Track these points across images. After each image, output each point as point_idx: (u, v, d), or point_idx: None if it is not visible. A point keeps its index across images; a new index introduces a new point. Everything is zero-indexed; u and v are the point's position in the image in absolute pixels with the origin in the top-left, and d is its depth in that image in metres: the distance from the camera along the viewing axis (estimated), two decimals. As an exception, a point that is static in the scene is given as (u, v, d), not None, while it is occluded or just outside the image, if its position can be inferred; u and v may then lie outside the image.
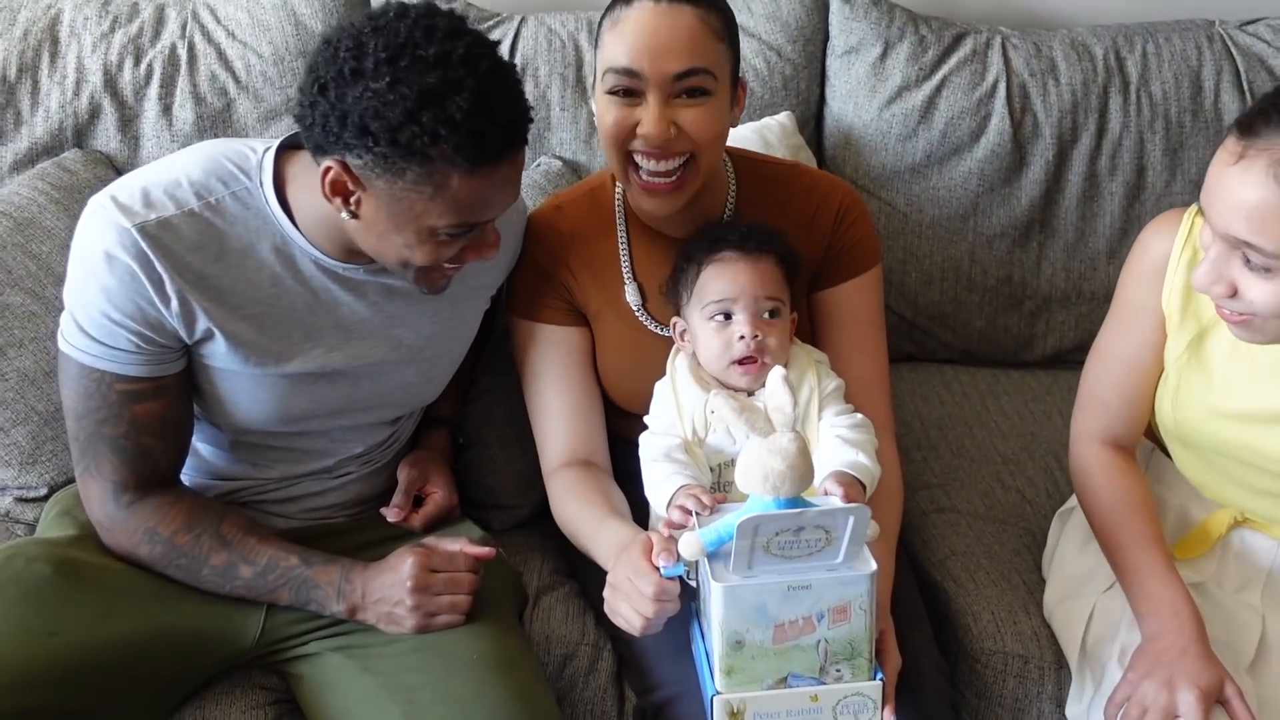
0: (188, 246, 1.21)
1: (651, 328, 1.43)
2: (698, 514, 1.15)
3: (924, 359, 2.04)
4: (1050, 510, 1.64)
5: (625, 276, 1.43)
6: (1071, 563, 1.46)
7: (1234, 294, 1.13)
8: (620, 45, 1.26)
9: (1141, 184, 1.97)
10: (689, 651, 1.24)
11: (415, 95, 1.07)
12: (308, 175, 1.22)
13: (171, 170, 1.24)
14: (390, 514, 1.43)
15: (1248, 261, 1.10)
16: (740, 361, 1.30)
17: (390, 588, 1.28)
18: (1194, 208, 1.27)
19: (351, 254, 1.27)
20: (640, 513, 1.33)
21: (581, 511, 1.34)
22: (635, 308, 1.43)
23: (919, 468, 1.75)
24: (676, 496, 1.19)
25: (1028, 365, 2.04)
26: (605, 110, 1.29)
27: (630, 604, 1.15)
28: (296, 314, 1.28)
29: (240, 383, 1.28)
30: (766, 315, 1.31)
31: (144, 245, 1.18)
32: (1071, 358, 2.03)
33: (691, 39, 1.25)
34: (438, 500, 1.45)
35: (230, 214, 1.24)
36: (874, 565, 1.09)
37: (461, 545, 1.32)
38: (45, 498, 1.53)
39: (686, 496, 1.18)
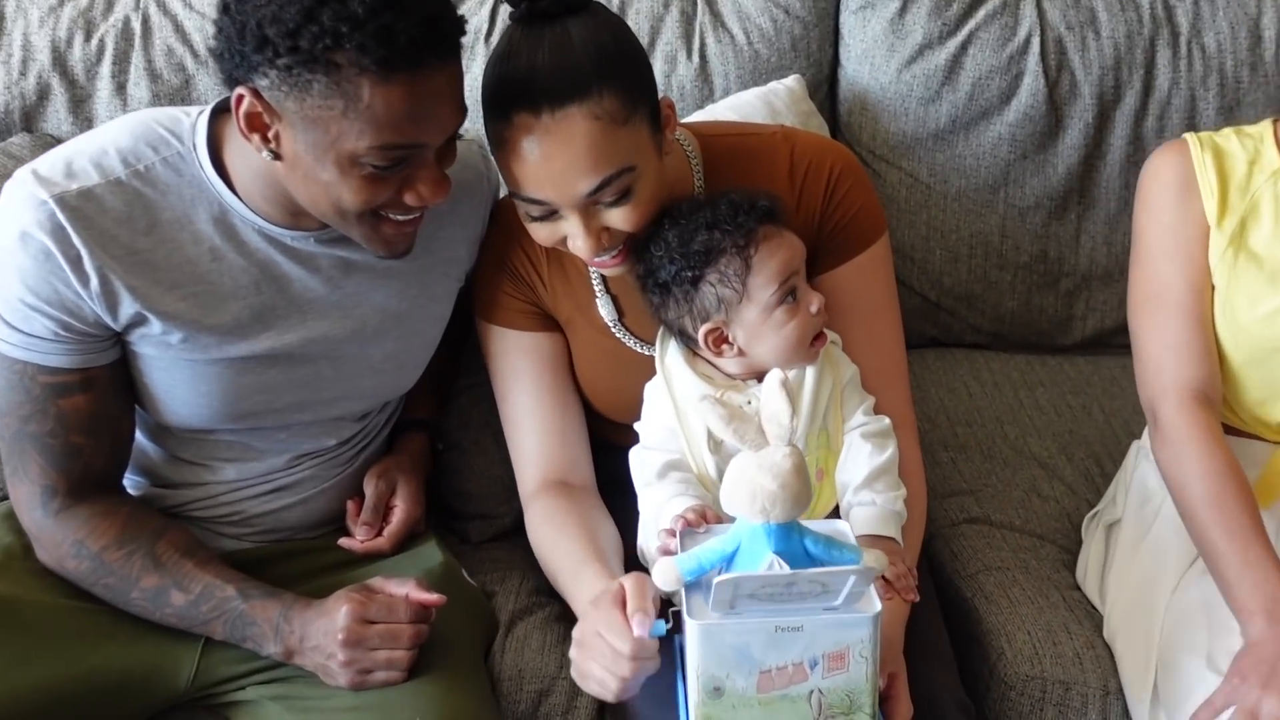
0: (114, 219, 1.15)
1: (631, 345, 1.31)
2: (682, 536, 1.04)
3: (950, 344, 1.98)
4: (1094, 524, 1.55)
5: (596, 289, 1.31)
6: (1131, 573, 1.38)
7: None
8: (514, 172, 1.12)
9: (1193, 148, 1.89)
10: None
11: None
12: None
13: (99, 139, 1.19)
14: (359, 535, 1.34)
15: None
16: (817, 337, 1.20)
17: (324, 636, 1.19)
18: (1190, 134, 1.40)
19: (297, 216, 1.20)
20: (633, 526, 1.22)
21: (559, 548, 1.25)
22: (611, 323, 1.31)
23: (946, 470, 1.65)
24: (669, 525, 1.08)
25: (1065, 350, 1.97)
26: (529, 227, 1.18)
27: (603, 664, 1.04)
28: (242, 290, 1.21)
29: (180, 372, 1.21)
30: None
31: (61, 218, 1.12)
32: (1114, 340, 1.96)
33: (590, 149, 1.08)
34: (400, 515, 1.36)
35: (162, 182, 1.18)
36: (879, 606, 0.97)
37: (408, 589, 1.21)
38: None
39: (673, 520, 1.06)
